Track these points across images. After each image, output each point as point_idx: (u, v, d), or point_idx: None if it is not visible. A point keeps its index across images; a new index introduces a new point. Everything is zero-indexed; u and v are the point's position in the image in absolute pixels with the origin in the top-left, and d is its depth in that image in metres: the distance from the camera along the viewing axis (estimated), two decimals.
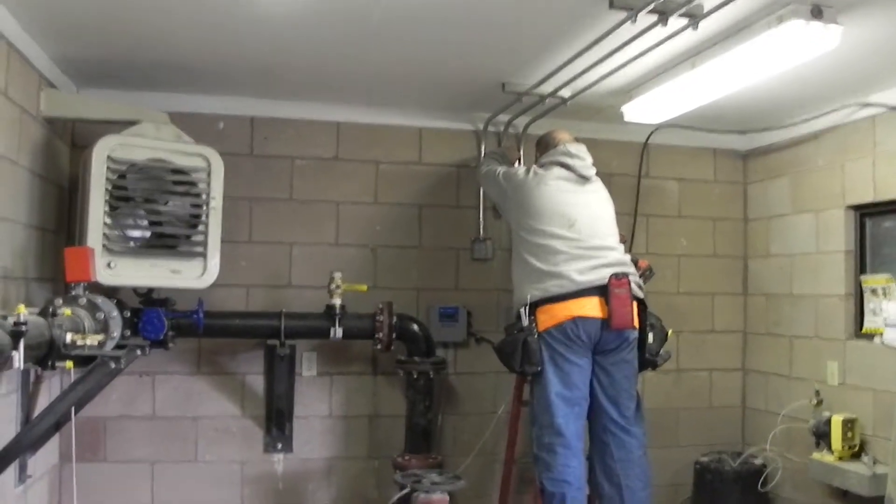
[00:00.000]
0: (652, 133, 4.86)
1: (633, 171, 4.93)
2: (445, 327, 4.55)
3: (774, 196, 4.90)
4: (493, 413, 4.54)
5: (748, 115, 4.62)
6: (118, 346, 3.38)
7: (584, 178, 3.90)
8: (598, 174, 3.99)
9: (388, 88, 4.27)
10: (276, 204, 4.47)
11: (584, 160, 3.93)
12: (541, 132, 4.29)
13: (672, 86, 3.80)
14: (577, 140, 4.06)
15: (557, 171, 3.89)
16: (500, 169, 4.12)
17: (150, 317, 3.72)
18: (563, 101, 4.07)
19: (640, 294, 3.78)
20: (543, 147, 4.11)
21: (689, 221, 5.08)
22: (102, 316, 3.18)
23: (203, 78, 4.07)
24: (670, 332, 3.99)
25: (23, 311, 2.21)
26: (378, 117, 4.58)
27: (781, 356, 4.76)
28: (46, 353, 2.58)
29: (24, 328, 2.17)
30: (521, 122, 4.61)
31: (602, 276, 3.64)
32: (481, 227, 4.71)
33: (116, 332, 3.37)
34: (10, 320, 2.20)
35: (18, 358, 2.15)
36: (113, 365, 2.81)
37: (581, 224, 3.77)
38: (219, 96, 4.34)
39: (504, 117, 4.57)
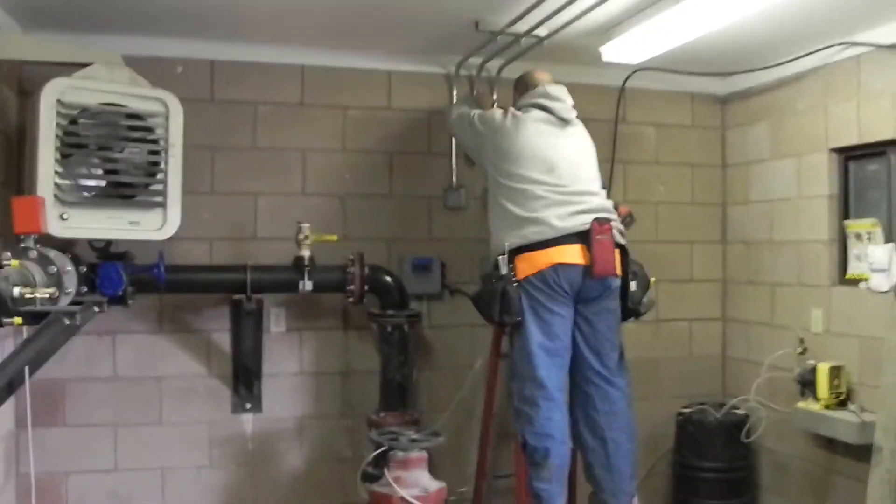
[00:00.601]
0: (629, 76, 4.69)
1: (609, 116, 4.77)
2: (419, 279, 4.39)
3: (754, 141, 4.78)
4: (471, 367, 4.38)
5: (728, 57, 4.45)
6: (74, 303, 3.17)
7: (564, 121, 3.75)
8: (577, 117, 3.83)
9: (355, 29, 4.03)
10: (240, 152, 4.25)
11: (564, 102, 3.77)
12: (515, 76, 4.11)
13: (652, 24, 3.65)
14: (556, 82, 3.88)
15: (536, 113, 3.73)
16: (475, 112, 3.94)
17: (107, 271, 3.52)
18: (540, 40, 3.87)
19: (623, 241, 3.65)
20: (522, 88, 3.93)
21: (666, 168, 4.96)
22: (55, 269, 2.95)
23: (160, 19, 3.81)
24: (653, 280, 3.87)
25: None
26: (345, 60, 4.35)
27: (763, 304, 4.67)
28: None
29: None
30: (495, 65, 4.41)
31: (583, 221, 3.51)
32: (454, 174, 4.53)
33: (71, 288, 3.15)
34: None
35: None
36: (67, 322, 2.58)
37: (562, 169, 3.62)
38: (177, 39, 4.08)
39: (476, 60, 4.36)
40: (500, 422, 4.19)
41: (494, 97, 4.47)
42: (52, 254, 3.10)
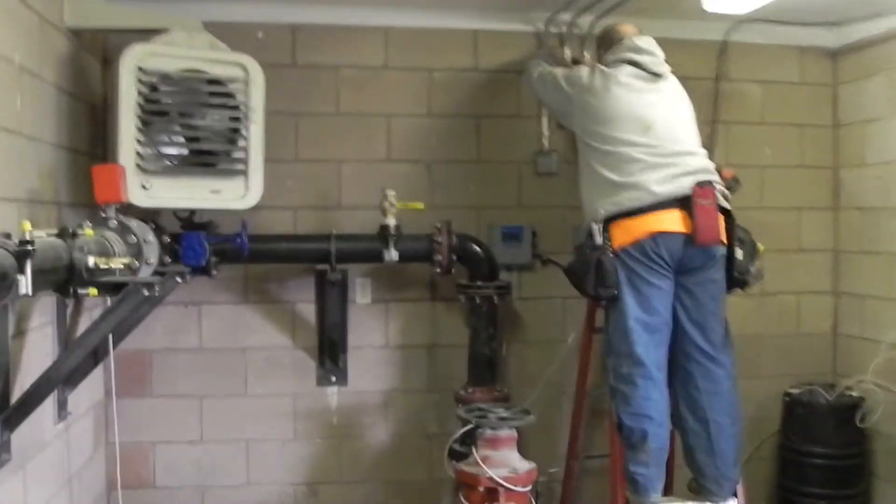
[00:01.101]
0: (731, 29, 4.37)
1: (709, 73, 4.45)
2: (508, 248, 4.21)
3: (870, 98, 4.38)
4: (563, 341, 4.24)
5: (840, 4, 4.08)
6: (156, 274, 3.11)
7: (655, 76, 3.49)
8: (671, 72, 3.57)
9: None
10: (323, 118, 4.14)
11: (654, 55, 3.52)
12: None
13: None
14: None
15: (626, 69, 3.48)
16: (559, 71, 3.72)
17: (190, 241, 3.47)
18: None
19: (727, 205, 3.37)
20: (607, 43, 3.67)
21: (772, 129, 4.60)
22: (135, 240, 2.90)
23: None
24: (761, 247, 3.59)
25: (28, 229, 1.91)
26: (429, 20, 4.17)
27: (879, 277, 4.30)
28: (66, 279, 2.28)
29: (30, 248, 1.87)
30: (585, 21, 4.17)
31: (683, 185, 3.26)
32: (545, 138, 4.31)
33: (153, 258, 3.11)
34: (16, 240, 1.90)
35: (26, 283, 1.86)
36: (147, 293, 2.51)
37: (658, 128, 3.37)
38: (256, 3, 3.98)
39: (566, 16, 4.14)
40: (593, 400, 4.02)
41: (567, 51, 4.20)
42: (134, 224, 3.06)
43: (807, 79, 4.64)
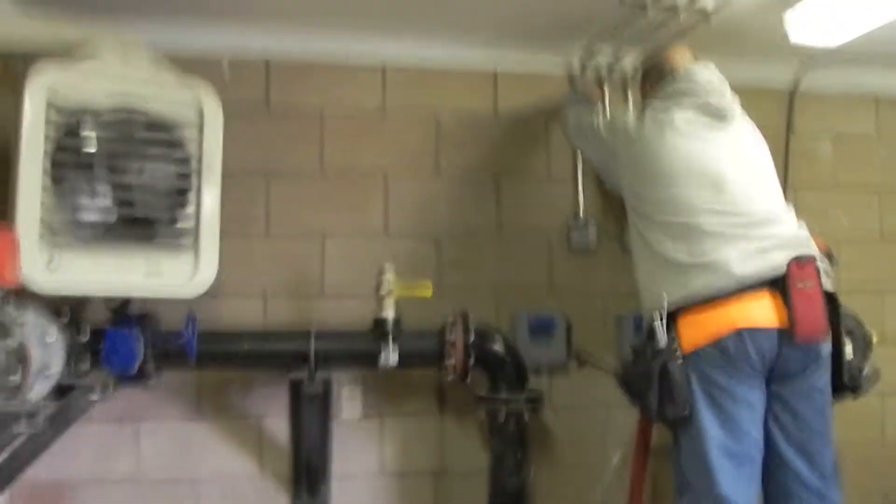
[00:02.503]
0: (799, 71, 3.64)
1: (775, 126, 3.65)
2: (537, 344, 3.32)
3: None
4: (605, 464, 3.34)
5: None
6: (62, 389, 2.20)
7: (722, 118, 2.70)
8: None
9: (452, 12, 3.06)
10: (302, 179, 3.28)
11: (720, 90, 2.75)
12: None
13: None
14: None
15: (683, 109, 2.70)
16: (599, 119, 2.95)
17: (114, 341, 2.56)
18: (705, 16, 2.84)
19: (831, 287, 2.56)
20: (655, 76, 2.90)
21: (846, 192, 3.84)
22: (17, 342, 1.98)
23: (201, 3, 2.95)
24: (875, 336, 2.76)
25: None
26: (438, 53, 3.37)
27: None
28: None
29: None
30: (631, 59, 3.39)
31: (774, 262, 2.45)
32: (581, 203, 3.48)
33: (56, 366, 2.20)
34: None
35: None
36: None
37: (732, 186, 2.58)
38: (224, 29, 3.16)
39: (606, 52, 3.35)
40: None
41: (605, 92, 3.45)
42: (29, 316, 2.14)
43: (884, 133, 3.93)
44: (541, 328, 3.34)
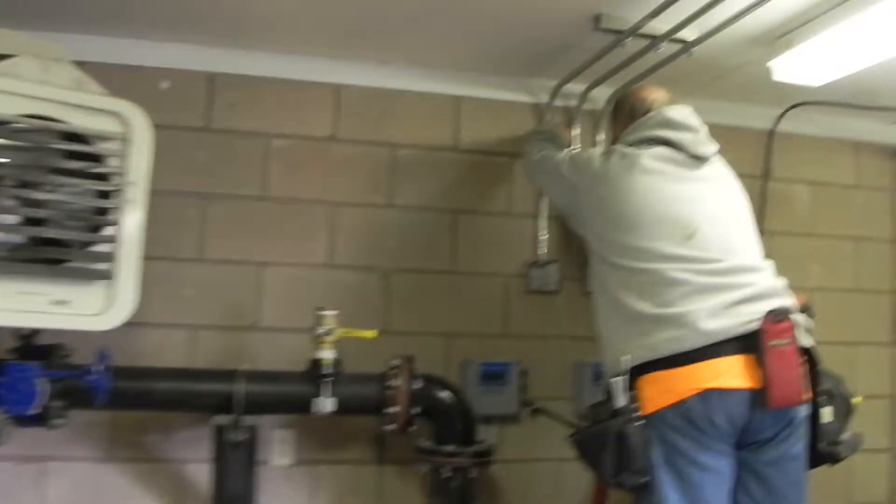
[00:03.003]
0: (786, 112, 3.45)
1: (751, 170, 3.49)
2: (489, 392, 3.09)
3: None
4: None
5: None
6: None
7: (697, 159, 2.47)
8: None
9: (412, 35, 2.85)
10: (242, 204, 3.03)
11: (695, 131, 2.50)
12: None
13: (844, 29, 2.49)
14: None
15: (655, 150, 2.46)
16: (562, 155, 2.71)
17: (13, 377, 2.26)
18: (686, 46, 2.65)
19: (809, 342, 2.32)
20: (626, 115, 2.65)
21: (822, 241, 3.69)
22: None
23: (139, 14, 2.71)
24: (857, 399, 2.50)
25: None
26: (396, 80, 3.16)
27: None
28: None
29: None
30: (603, 93, 3.19)
31: (747, 317, 2.20)
32: (543, 242, 3.26)
33: None
34: None
35: None
36: None
37: (705, 233, 2.33)
38: (163, 42, 2.94)
39: (577, 86, 3.15)
40: None
41: (574, 132, 3.25)
42: None
43: (863, 181, 3.78)
44: (494, 376, 3.11)
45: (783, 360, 2.17)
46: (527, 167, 2.97)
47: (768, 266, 2.42)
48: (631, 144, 2.52)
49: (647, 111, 2.58)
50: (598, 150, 2.61)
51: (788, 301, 2.31)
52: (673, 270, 2.27)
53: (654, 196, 2.39)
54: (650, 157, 2.44)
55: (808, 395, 2.26)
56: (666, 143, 2.48)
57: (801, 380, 2.21)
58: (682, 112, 2.56)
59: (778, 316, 2.19)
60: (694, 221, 2.35)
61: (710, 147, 2.52)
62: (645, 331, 2.25)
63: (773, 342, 2.17)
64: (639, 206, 2.38)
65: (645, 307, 2.27)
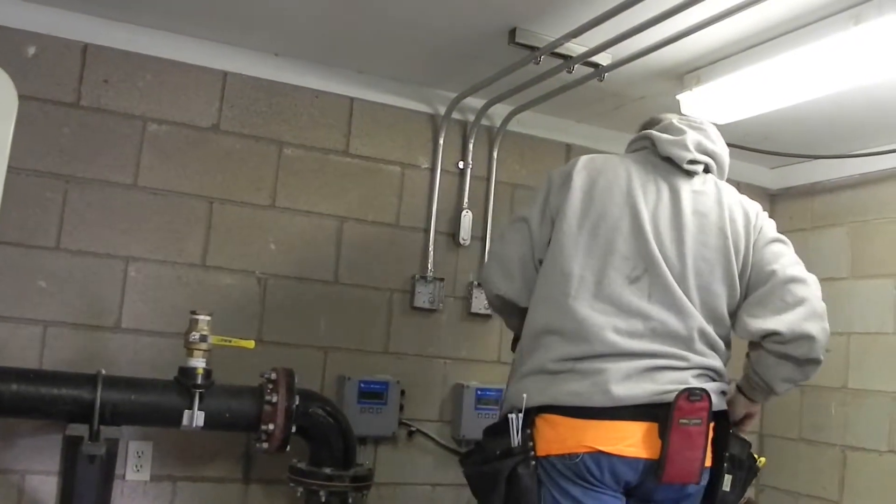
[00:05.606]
0: None
1: None
2: (367, 412, 2.92)
3: (827, 253, 3.55)
4: None
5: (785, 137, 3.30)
6: None
7: (686, 173, 2.12)
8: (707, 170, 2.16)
9: (309, 28, 2.65)
10: (109, 191, 2.73)
11: (687, 136, 2.14)
12: (526, 129, 3.13)
13: (756, 71, 2.51)
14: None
15: (637, 155, 2.20)
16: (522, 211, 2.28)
17: None
18: (599, 71, 2.59)
19: (723, 405, 2.12)
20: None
21: None
22: None
23: None
24: (761, 461, 2.30)
25: None
26: (288, 73, 2.94)
27: (814, 471, 3.37)
28: None
29: None
30: (502, 111, 3.11)
31: (662, 388, 1.99)
32: (430, 259, 3.11)
33: None
34: None
35: None
36: None
37: (655, 270, 2.03)
38: (33, 2, 2.61)
39: (477, 100, 3.06)
40: None
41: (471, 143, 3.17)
42: None
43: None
44: (372, 394, 2.94)
45: (688, 441, 1.97)
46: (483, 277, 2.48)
47: (716, 338, 2.09)
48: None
49: (660, 122, 2.28)
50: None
51: (715, 383, 2.06)
52: (595, 316, 2.00)
53: (596, 208, 2.06)
54: (619, 161, 2.17)
55: (707, 465, 2.06)
56: (651, 144, 2.19)
57: (699, 463, 2.02)
58: (689, 121, 2.25)
59: (695, 397, 1.98)
60: (648, 254, 2.05)
61: (704, 162, 2.17)
62: (547, 376, 2.03)
63: (683, 421, 1.96)
64: (572, 214, 2.08)
65: (550, 351, 2.03)
